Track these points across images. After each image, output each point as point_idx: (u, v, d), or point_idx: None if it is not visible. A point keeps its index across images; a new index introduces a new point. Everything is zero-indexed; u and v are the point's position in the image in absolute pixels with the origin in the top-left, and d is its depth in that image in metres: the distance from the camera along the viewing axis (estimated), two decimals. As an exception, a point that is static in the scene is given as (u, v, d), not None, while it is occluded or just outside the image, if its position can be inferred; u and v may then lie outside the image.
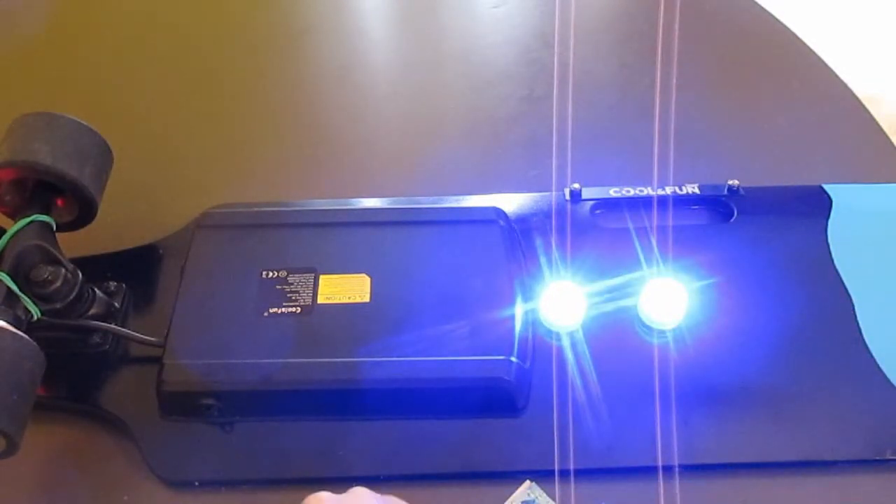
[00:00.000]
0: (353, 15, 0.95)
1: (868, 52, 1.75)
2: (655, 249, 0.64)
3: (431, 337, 0.57)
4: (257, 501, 0.55)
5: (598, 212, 0.68)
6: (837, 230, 0.66)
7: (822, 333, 0.60)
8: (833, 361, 0.59)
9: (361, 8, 0.96)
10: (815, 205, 0.68)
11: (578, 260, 0.63)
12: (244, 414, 0.57)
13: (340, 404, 0.57)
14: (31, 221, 0.56)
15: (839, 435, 0.56)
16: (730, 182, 0.69)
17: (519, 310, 0.58)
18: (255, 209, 0.66)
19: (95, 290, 0.61)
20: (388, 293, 0.59)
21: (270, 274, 0.60)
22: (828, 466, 0.55)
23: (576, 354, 0.59)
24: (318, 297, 0.59)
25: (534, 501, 0.53)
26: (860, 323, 0.60)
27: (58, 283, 0.56)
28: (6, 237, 0.55)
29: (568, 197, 0.69)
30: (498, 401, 0.56)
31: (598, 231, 0.67)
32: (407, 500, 0.48)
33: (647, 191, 0.68)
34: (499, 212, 0.65)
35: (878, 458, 0.54)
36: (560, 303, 0.60)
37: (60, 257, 0.57)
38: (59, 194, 0.59)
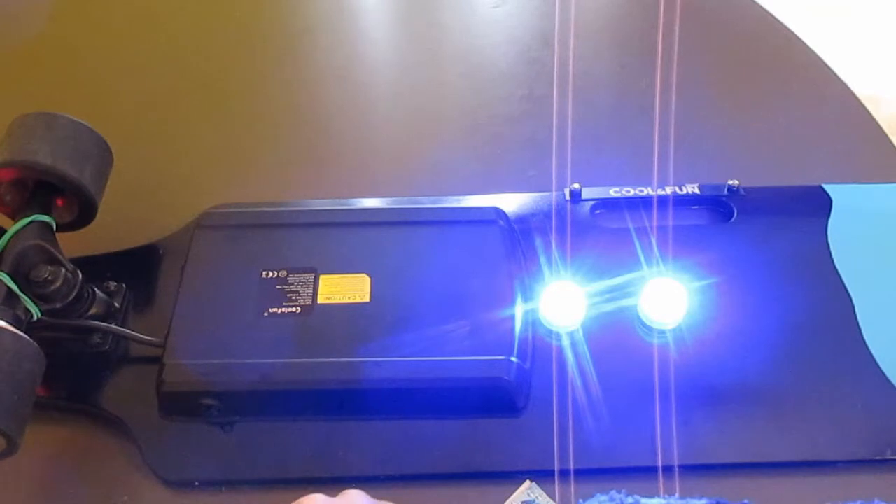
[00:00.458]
0: (353, 15, 0.95)
1: (868, 52, 1.75)
2: (655, 249, 0.64)
3: (431, 337, 0.57)
4: (257, 501, 0.55)
5: (598, 212, 0.68)
6: (837, 230, 0.66)
7: (822, 333, 0.60)
8: (833, 361, 0.59)
9: (361, 8, 0.96)
10: (815, 205, 0.68)
11: (578, 260, 0.63)
12: (244, 414, 0.57)
13: (340, 404, 0.57)
14: (31, 221, 0.56)
15: (839, 435, 0.56)
16: (730, 182, 0.69)
17: (519, 310, 0.58)
18: (255, 209, 0.66)
19: (95, 290, 0.61)
20: (388, 293, 0.59)
21: (270, 274, 0.60)
22: (828, 466, 0.55)
23: (576, 354, 0.59)
24: (318, 297, 0.59)
25: (534, 501, 0.53)
26: (860, 323, 0.60)
27: (58, 283, 0.56)
28: (6, 237, 0.55)
29: (568, 197, 0.69)
30: (498, 401, 0.56)
31: (598, 231, 0.67)
32: (407, 501, 0.48)
33: (648, 191, 0.68)
34: (499, 212, 0.65)
35: (878, 457, 0.54)
36: (560, 303, 0.60)
37: (60, 257, 0.57)
38: (59, 194, 0.59)
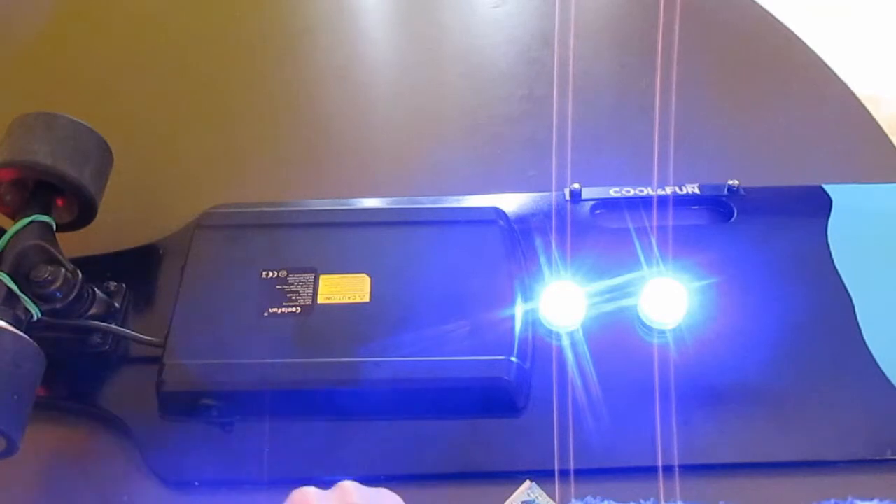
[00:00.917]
0: (352, 15, 0.95)
1: (868, 52, 1.75)
2: (655, 249, 0.64)
3: (431, 337, 0.57)
4: (257, 501, 0.55)
5: (598, 212, 0.68)
6: (837, 230, 0.66)
7: (822, 333, 0.60)
8: (833, 361, 0.59)
9: (361, 8, 0.96)
10: (815, 205, 0.68)
11: (578, 260, 0.63)
12: (244, 414, 0.57)
13: (340, 404, 0.57)
14: (31, 221, 0.56)
15: (839, 435, 0.56)
16: (730, 182, 0.69)
17: (519, 310, 0.58)
18: (255, 209, 0.66)
19: (95, 290, 0.61)
20: (388, 293, 0.59)
21: (270, 274, 0.60)
22: (828, 466, 0.55)
23: (576, 354, 0.59)
24: (318, 297, 0.59)
25: (534, 501, 0.53)
26: (860, 323, 0.60)
27: (58, 284, 0.56)
28: (6, 237, 0.55)
29: (568, 197, 0.69)
30: (498, 401, 0.56)
31: (598, 231, 0.67)
32: (407, 501, 0.48)
33: (648, 191, 0.68)
34: (499, 212, 0.65)
35: (878, 457, 0.54)
36: (560, 303, 0.60)
37: (60, 257, 0.57)
38: (59, 194, 0.59)
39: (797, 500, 0.54)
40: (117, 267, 0.65)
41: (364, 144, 0.79)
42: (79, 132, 0.59)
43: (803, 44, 0.85)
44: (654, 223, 0.66)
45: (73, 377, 0.59)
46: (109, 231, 0.64)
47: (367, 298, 0.59)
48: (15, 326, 0.51)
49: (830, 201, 0.68)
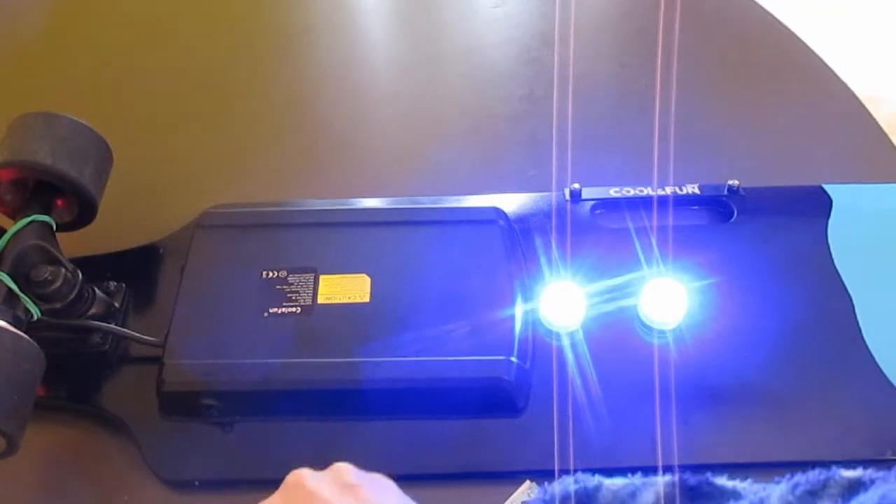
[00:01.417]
0: (353, 15, 0.95)
1: (868, 52, 1.75)
2: (655, 249, 0.64)
3: (431, 337, 0.57)
4: (257, 501, 0.55)
5: (598, 212, 0.68)
6: (837, 230, 0.66)
7: (822, 333, 0.60)
8: (833, 361, 0.59)
9: (361, 8, 0.96)
10: (815, 205, 0.68)
11: (578, 260, 0.63)
12: (244, 414, 0.57)
13: (340, 404, 0.57)
14: (31, 221, 0.56)
15: (839, 435, 0.56)
16: (730, 182, 0.69)
17: (519, 310, 0.58)
18: (255, 209, 0.66)
19: (95, 290, 0.61)
20: (388, 293, 0.59)
21: (270, 274, 0.60)
22: (827, 466, 0.55)
23: (576, 354, 0.59)
24: (318, 297, 0.59)
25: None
26: (860, 322, 0.60)
27: (58, 283, 0.56)
28: (6, 237, 0.55)
29: (568, 197, 0.69)
30: (498, 401, 0.56)
31: (598, 231, 0.67)
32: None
33: (648, 191, 0.68)
34: (499, 212, 0.65)
35: (878, 457, 0.54)
36: (560, 303, 0.60)
37: (60, 257, 0.57)
38: (59, 194, 0.59)
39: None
40: (117, 267, 0.65)
41: (364, 144, 0.79)
42: (79, 132, 0.59)
43: (803, 44, 0.85)
44: (654, 223, 0.66)
45: (74, 377, 0.59)
46: (109, 231, 0.64)
47: (367, 298, 0.59)
48: (15, 326, 0.51)
49: (830, 201, 0.68)
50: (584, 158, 0.72)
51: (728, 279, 0.63)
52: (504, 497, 0.53)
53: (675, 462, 0.54)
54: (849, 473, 0.37)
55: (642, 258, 0.64)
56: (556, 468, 0.54)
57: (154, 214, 0.71)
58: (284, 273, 0.60)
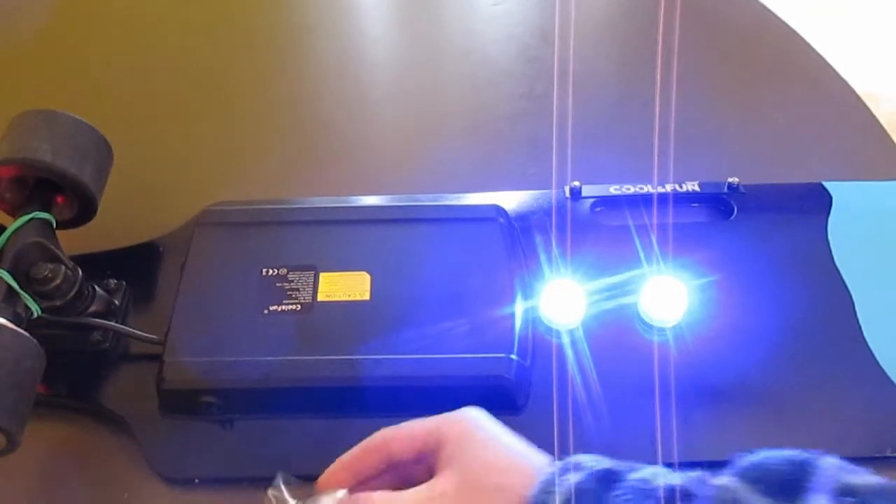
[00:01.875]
0: (352, 13, 0.95)
1: (868, 49, 1.75)
2: (656, 247, 0.64)
3: (431, 335, 0.57)
4: (257, 499, 0.55)
5: (598, 209, 0.68)
6: (837, 228, 0.66)
7: (822, 331, 0.60)
8: (833, 359, 0.59)
9: (361, 6, 0.96)
10: (816, 202, 0.68)
11: (579, 257, 0.63)
12: (244, 411, 0.57)
13: (340, 402, 0.57)
14: (32, 219, 0.56)
15: (839, 432, 0.56)
16: (730, 179, 0.69)
17: (519, 307, 0.58)
18: (255, 206, 0.66)
19: (95, 287, 0.61)
20: (388, 291, 0.59)
21: (270, 271, 0.60)
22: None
23: (576, 352, 0.59)
24: (318, 294, 0.59)
25: (534, 499, 0.53)
26: (860, 320, 0.60)
27: (58, 281, 0.56)
28: (6, 234, 0.55)
29: (568, 194, 0.69)
30: (498, 399, 0.56)
31: (598, 229, 0.67)
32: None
33: (648, 188, 0.68)
34: (499, 209, 0.65)
35: (878, 455, 0.54)
36: (560, 300, 0.60)
37: (60, 255, 0.57)
38: (59, 192, 0.59)
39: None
40: (117, 264, 0.65)
41: (364, 142, 0.79)
42: (79, 129, 0.59)
43: (803, 41, 0.85)
44: (654, 221, 0.66)
45: (74, 374, 0.59)
46: (109, 228, 0.64)
47: (367, 296, 0.59)
48: (15, 324, 0.51)
49: (830, 199, 0.68)
50: (584, 156, 0.72)
51: (728, 277, 0.63)
52: (504, 494, 0.53)
53: (675, 460, 0.54)
54: None
55: (642, 256, 0.64)
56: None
57: (154, 212, 0.71)
58: (284, 271, 0.60)
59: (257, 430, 0.57)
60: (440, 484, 0.43)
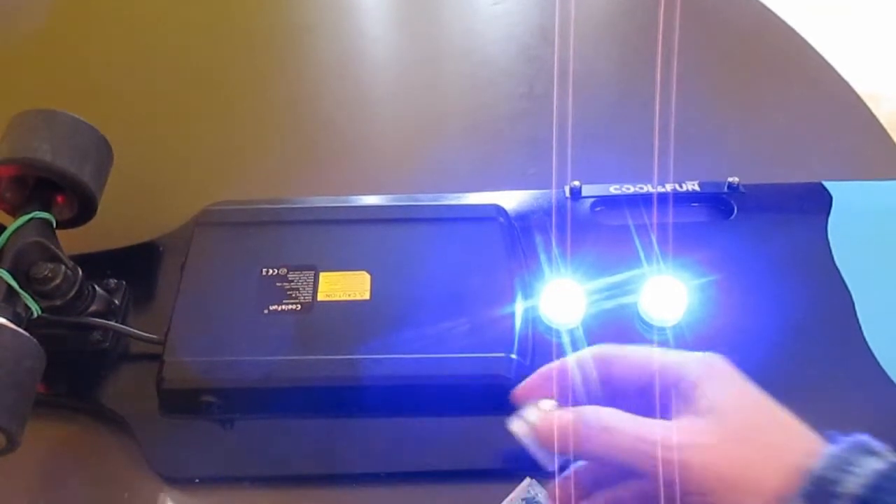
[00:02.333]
0: (352, 13, 0.95)
1: (868, 49, 1.75)
2: (656, 247, 0.64)
3: (431, 334, 0.57)
4: (257, 498, 0.55)
5: (598, 209, 0.68)
6: (838, 227, 0.66)
7: (822, 331, 0.60)
8: (833, 359, 0.59)
9: (361, 6, 0.96)
10: (816, 202, 0.68)
11: (578, 257, 0.63)
12: (244, 411, 0.57)
13: (340, 402, 0.57)
14: (31, 218, 0.56)
15: (839, 432, 0.56)
16: (730, 179, 0.69)
17: (519, 307, 0.58)
18: (255, 206, 0.66)
19: (95, 287, 0.61)
20: (388, 291, 0.59)
21: (270, 271, 0.60)
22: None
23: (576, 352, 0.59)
24: (318, 294, 0.59)
25: (534, 498, 0.53)
26: (860, 320, 0.60)
27: (58, 280, 0.56)
28: (6, 234, 0.55)
29: (568, 194, 0.69)
30: (498, 398, 0.56)
31: (598, 228, 0.67)
32: (407, 498, 0.48)
33: (648, 188, 0.68)
34: (499, 209, 0.65)
35: (877, 455, 0.54)
36: (560, 300, 0.60)
37: (60, 254, 0.57)
38: (59, 191, 0.59)
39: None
40: (117, 264, 0.65)
41: (364, 142, 0.79)
42: (79, 129, 0.59)
43: (804, 41, 0.85)
44: (654, 220, 0.66)
45: (73, 374, 0.59)
46: (109, 228, 0.64)
47: (367, 296, 0.59)
48: (15, 323, 0.51)
49: (830, 198, 0.68)
50: (584, 156, 0.72)
51: (728, 276, 0.63)
52: (504, 494, 0.53)
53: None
54: None
55: (642, 255, 0.64)
56: (557, 465, 0.54)
57: (154, 212, 0.71)
58: (284, 270, 0.60)
59: (257, 430, 0.57)
60: (696, 425, 0.38)
